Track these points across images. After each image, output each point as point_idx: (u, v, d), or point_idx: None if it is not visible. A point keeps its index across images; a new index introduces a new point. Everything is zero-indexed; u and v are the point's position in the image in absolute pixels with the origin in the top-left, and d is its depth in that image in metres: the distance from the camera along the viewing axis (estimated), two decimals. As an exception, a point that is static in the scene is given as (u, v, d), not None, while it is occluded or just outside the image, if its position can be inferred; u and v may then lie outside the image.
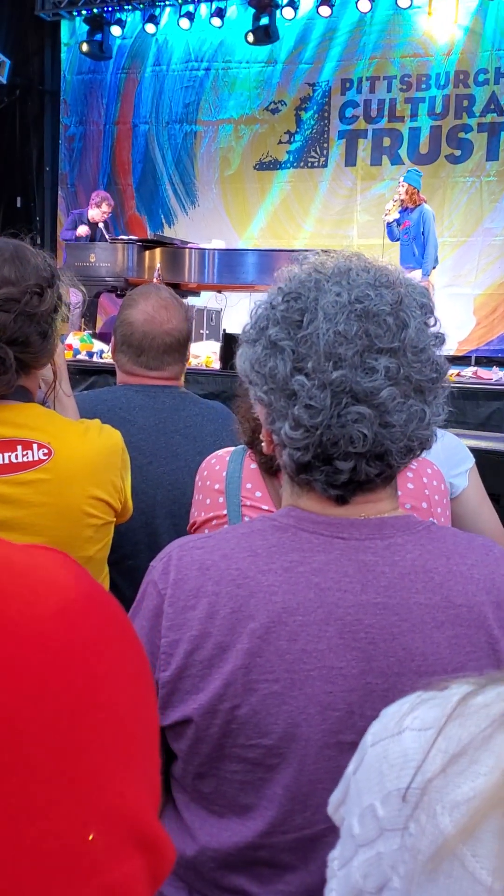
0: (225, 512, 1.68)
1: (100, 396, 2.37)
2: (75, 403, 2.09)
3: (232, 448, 1.78)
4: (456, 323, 10.63)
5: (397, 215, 9.39)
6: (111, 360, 7.39)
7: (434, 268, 9.43)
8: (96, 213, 10.30)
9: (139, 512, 2.12)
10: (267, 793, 1.12)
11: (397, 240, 9.47)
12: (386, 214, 9.49)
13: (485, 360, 9.93)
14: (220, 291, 10.14)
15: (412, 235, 9.32)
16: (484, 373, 7.63)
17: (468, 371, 7.47)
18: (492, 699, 0.68)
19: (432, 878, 0.64)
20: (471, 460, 2.25)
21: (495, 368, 7.93)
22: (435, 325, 1.17)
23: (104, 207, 10.34)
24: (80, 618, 0.52)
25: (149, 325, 2.30)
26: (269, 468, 1.66)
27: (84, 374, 7.02)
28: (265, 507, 1.65)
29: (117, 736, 0.51)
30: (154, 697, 0.57)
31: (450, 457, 2.15)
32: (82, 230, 10.28)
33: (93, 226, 10.33)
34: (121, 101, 13.55)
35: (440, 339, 1.17)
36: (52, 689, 0.48)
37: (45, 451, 1.76)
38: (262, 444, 1.66)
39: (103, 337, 8.98)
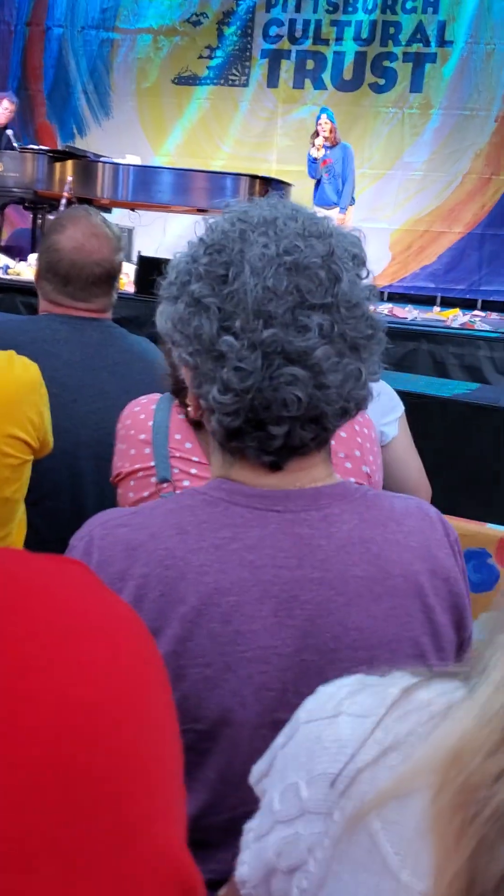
0: (152, 463, 1.60)
1: (21, 326, 2.25)
2: None
3: (157, 395, 1.69)
4: (371, 258, 10.60)
5: (324, 151, 9.25)
6: (17, 277, 7.16)
7: (352, 205, 9.37)
8: None
9: (61, 452, 2.03)
10: (199, 776, 1.08)
11: (317, 178, 9.34)
12: (318, 150, 9.30)
13: (398, 297, 9.99)
14: (133, 209, 9.89)
15: (335, 173, 9.23)
16: (399, 311, 7.65)
17: (383, 308, 7.47)
18: (434, 695, 0.66)
19: (344, 850, 0.63)
20: (401, 408, 2.25)
21: (409, 307, 7.96)
22: (367, 276, 1.11)
23: (5, 104, 9.88)
24: (122, 648, 0.48)
25: (77, 253, 2.17)
26: (197, 422, 1.59)
27: (-11, 290, 6.73)
28: (195, 459, 1.58)
29: (162, 774, 0.47)
30: (174, 711, 0.54)
31: (381, 405, 2.13)
32: None
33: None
34: (34, 0, 12.93)
35: (374, 292, 1.11)
36: (104, 729, 0.44)
37: None
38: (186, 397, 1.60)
39: (9, 251, 8.69)
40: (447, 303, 9.91)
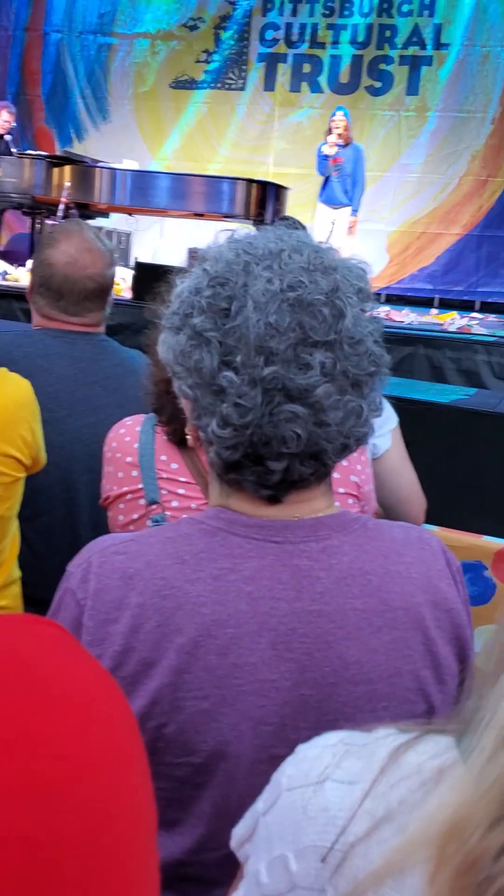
0: (140, 486, 1.60)
1: (14, 341, 2.24)
2: None
3: (141, 417, 1.69)
4: (369, 260, 10.54)
5: (336, 149, 9.20)
6: (15, 283, 7.15)
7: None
8: None
9: (55, 467, 2.02)
10: (195, 810, 1.07)
11: (326, 175, 9.30)
12: (329, 147, 9.22)
13: (396, 299, 9.98)
14: (130, 214, 9.89)
15: (345, 172, 9.18)
16: (395, 314, 7.65)
17: (380, 311, 7.46)
18: (425, 758, 0.64)
19: None
20: (394, 420, 2.23)
21: (406, 310, 7.96)
22: (372, 310, 1.09)
23: (5, 116, 9.88)
24: (93, 718, 0.47)
25: (70, 268, 2.17)
26: (178, 440, 1.58)
27: (-13, 296, 6.73)
28: (183, 479, 1.58)
29: (135, 842, 0.46)
30: (148, 775, 0.53)
31: None
32: None
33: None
34: (32, 6, 12.96)
35: (378, 325, 1.09)
36: (69, 807, 0.43)
37: None
38: (165, 416, 1.59)
39: (7, 256, 8.70)
40: (445, 304, 9.92)
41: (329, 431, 1.03)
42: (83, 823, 0.43)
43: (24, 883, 0.40)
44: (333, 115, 9.37)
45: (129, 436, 1.66)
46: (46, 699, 0.45)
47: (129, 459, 1.63)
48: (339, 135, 9.17)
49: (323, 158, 9.26)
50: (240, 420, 1.01)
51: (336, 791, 0.66)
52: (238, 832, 0.76)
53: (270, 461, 1.03)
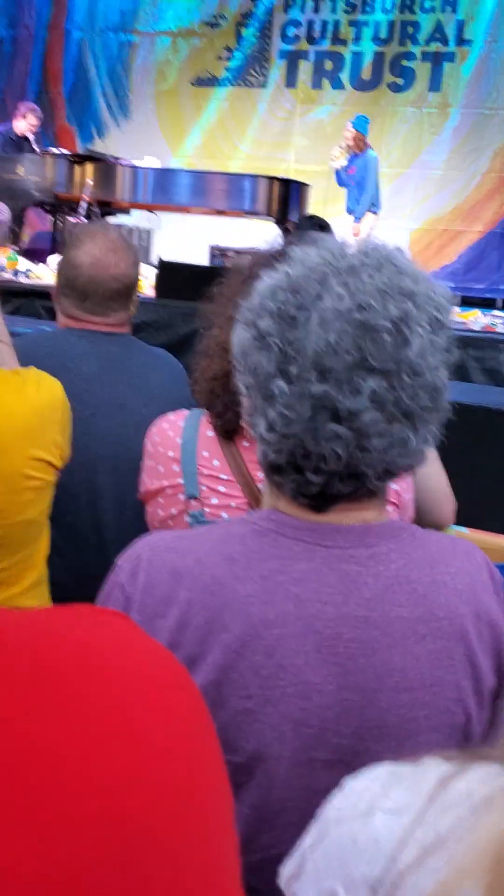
0: (180, 480, 1.60)
1: (40, 341, 2.25)
2: (13, 350, 1.97)
3: (185, 412, 1.69)
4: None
5: (345, 162, 9.16)
6: (37, 280, 7.16)
7: (376, 213, 9.28)
8: (23, 125, 9.88)
9: (80, 467, 2.02)
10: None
11: (345, 185, 9.28)
12: (333, 160, 9.21)
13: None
14: (152, 211, 9.91)
15: (356, 181, 9.15)
16: (418, 311, 7.59)
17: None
18: (474, 785, 0.63)
19: None
20: None
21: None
22: (446, 342, 1.06)
23: (31, 119, 9.92)
24: (174, 711, 0.49)
25: (95, 268, 2.17)
26: (226, 432, 1.59)
27: (9, 295, 6.73)
28: (224, 477, 1.58)
29: (216, 822, 0.49)
30: (221, 759, 0.55)
31: None
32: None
33: (20, 137, 9.92)
34: (54, 4, 13.01)
35: (449, 356, 1.07)
36: (159, 789, 0.45)
37: None
38: (220, 406, 1.60)
39: (30, 254, 8.71)
40: (467, 302, 9.86)
41: (371, 457, 1.03)
42: (167, 804, 0.45)
43: (116, 862, 0.42)
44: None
45: (171, 430, 1.66)
46: (125, 692, 0.47)
47: (170, 454, 1.63)
48: (346, 146, 9.11)
49: (336, 172, 9.25)
50: (284, 429, 1.02)
51: (385, 821, 0.66)
52: (286, 869, 0.76)
53: (309, 473, 1.04)
